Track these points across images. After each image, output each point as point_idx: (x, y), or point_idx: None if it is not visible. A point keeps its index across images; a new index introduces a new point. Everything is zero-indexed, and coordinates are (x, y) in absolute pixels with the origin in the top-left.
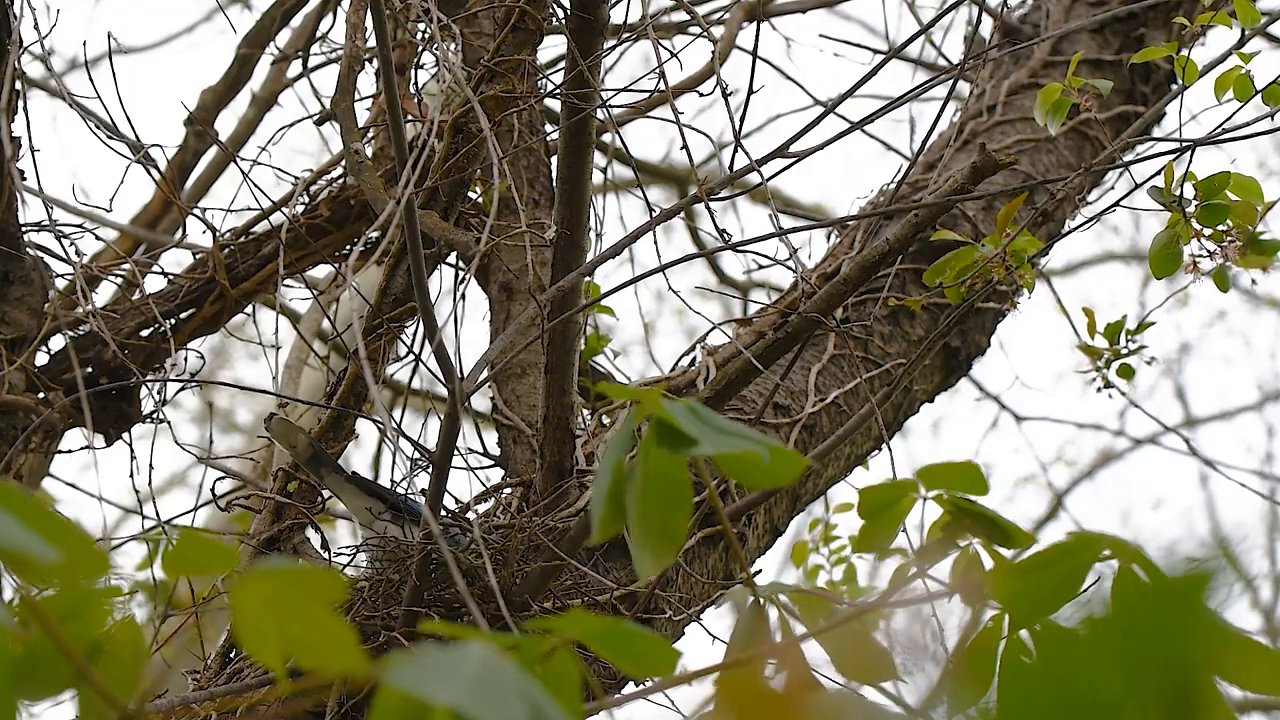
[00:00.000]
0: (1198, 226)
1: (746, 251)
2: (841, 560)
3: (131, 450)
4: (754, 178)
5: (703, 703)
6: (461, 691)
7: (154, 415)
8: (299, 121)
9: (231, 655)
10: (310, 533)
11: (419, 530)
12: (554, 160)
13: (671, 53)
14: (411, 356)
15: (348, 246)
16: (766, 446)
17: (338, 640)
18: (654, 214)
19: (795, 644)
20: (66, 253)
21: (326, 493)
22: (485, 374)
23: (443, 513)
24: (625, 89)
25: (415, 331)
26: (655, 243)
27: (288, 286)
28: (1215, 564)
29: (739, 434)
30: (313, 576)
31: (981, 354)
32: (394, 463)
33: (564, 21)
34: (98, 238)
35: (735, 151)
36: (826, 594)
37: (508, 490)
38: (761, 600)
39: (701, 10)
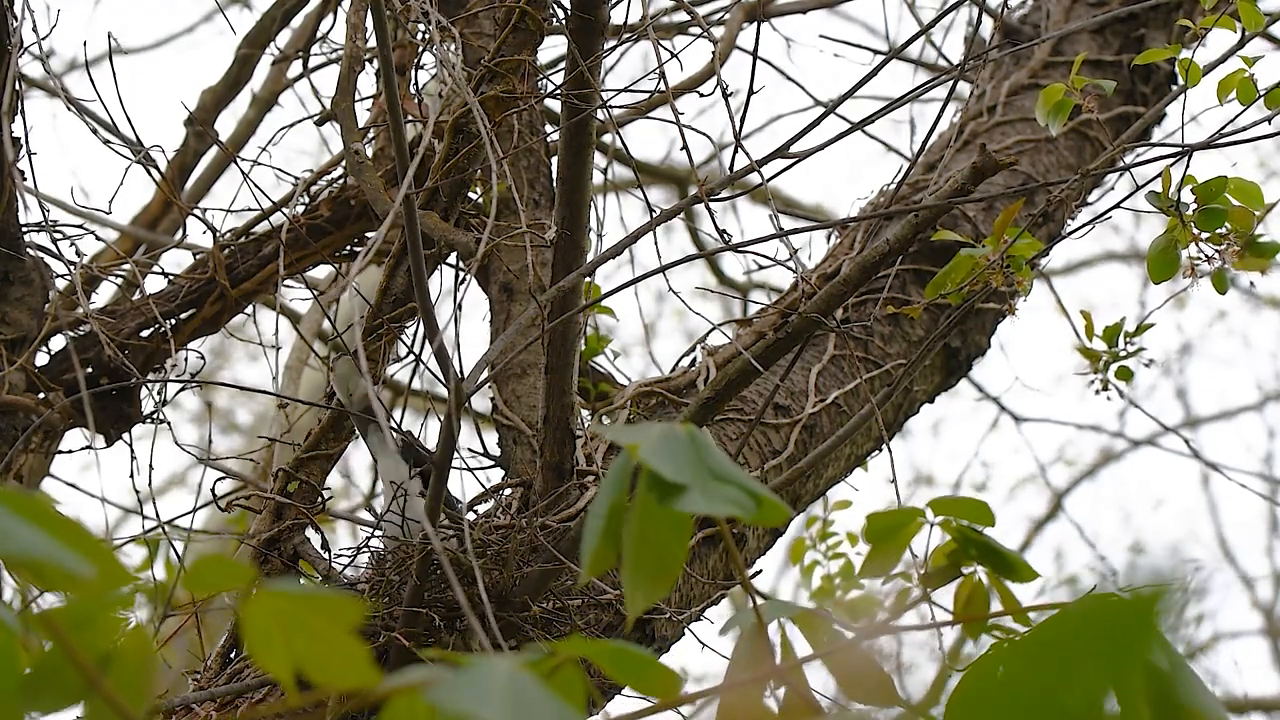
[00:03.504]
0: (1196, 231)
1: (747, 252)
2: (838, 555)
3: (131, 450)
4: (754, 178)
5: (700, 709)
6: (499, 706)
7: (154, 415)
8: (299, 122)
9: (232, 656)
10: (310, 533)
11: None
12: (554, 160)
13: (671, 53)
14: (411, 357)
15: (348, 246)
16: (754, 498)
17: (348, 654)
18: (654, 214)
19: (797, 665)
20: (65, 254)
21: (327, 493)
22: (485, 374)
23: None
24: (625, 89)
25: (415, 332)
26: (655, 243)
27: (288, 287)
28: (1168, 588)
29: (730, 478)
30: (325, 597)
31: (981, 355)
32: (409, 437)
33: (564, 22)
34: (98, 238)
35: (735, 152)
36: (830, 615)
37: (508, 491)
38: (763, 617)
39: (701, 10)
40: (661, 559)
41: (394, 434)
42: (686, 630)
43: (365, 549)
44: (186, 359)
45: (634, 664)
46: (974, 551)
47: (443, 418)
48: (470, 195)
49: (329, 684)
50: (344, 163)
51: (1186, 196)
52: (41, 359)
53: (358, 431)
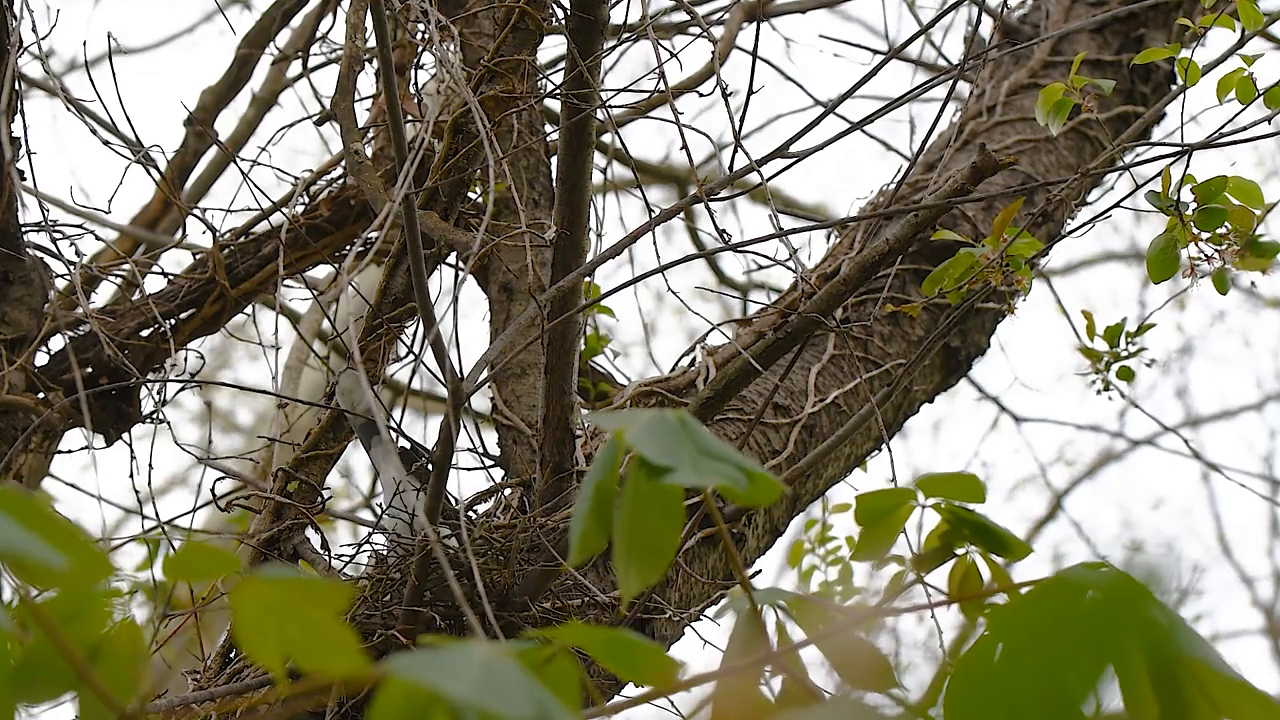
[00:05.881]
0: (1196, 230)
1: (746, 252)
2: (837, 561)
3: (131, 450)
4: (754, 178)
5: (699, 706)
6: (469, 685)
7: (154, 415)
8: (299, 122)
9: (231, 655)
10: (310, 533)
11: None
12: (554, 160)
13: (671, 53)
14: (411, 357)
15: (347, 246)
16: (745, 472)
17: (338, 643)
18: (654, 214)
19: (793, 651)
20: (65, 254)
21: (327, 493)
22: (485, 374)
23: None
24: (625, 89)
25: (415, 332)
26: (655, 243)
27: (288, 287)
28: (1158, 574)
29: (721, 457)
30: (315, 584)
31: (981, 354)
32: (416, 445)
33: (564, 21)
34: (97, 238)
35: (735, 151)
36: (825, 601)
37: (508, 490)
38: (759, 607)
39: (701, 10)
40: (654, 540)
41: (397, 444)
42: (686, 630)
43: (368, 543)
44: (186, 359)
45: (629, 652)
46: (966, 531)
47: (442, 418)
48: (470, 195)
49: (319, 672)
50: (344, 163)
51: (1186, 196)
52: (41, 359)
53: (361, 443)
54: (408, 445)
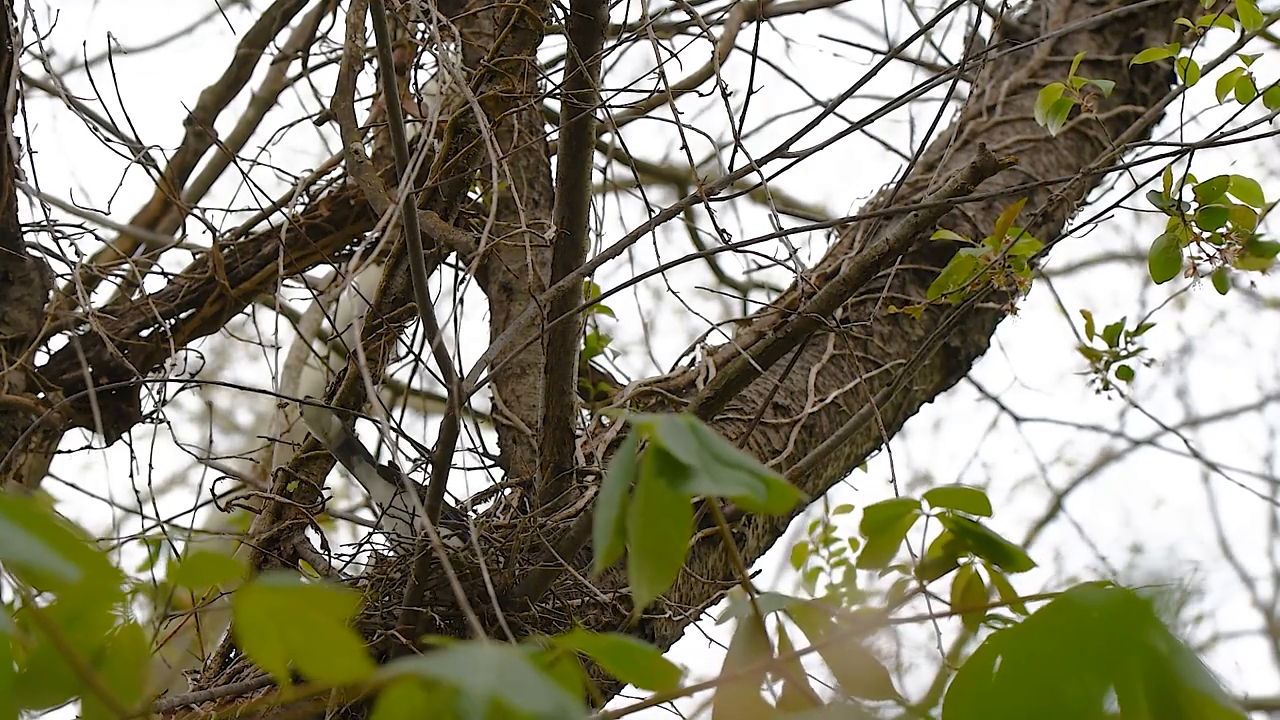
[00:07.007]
0: (1197, 230)
1: (746, 252)
2: (841, 562)
3: (131, 450)
4: (754, 178)
5: (700, 708)
6: (488, 679)
7: (154, 415)
8: (299, 121)
9: (231, 656)
10: (310, 533)
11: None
12: (554, 160)
13: (671, 53)
14: (411, 356)
15: (348, 246)
16: (763, 481)
17: (341, 647)
18: (654, 214)
19: (794, 657)
20: (65, 253)
21: (327, 493)
22: (485, 374)
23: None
24: (625, 89)
25: (415, 331)
26: (655, 243)
27: (288, 286)
28: (1165, 588)
29: (737, 464)
30: (318, 590)
31: (981, 354)
32: (393, 463)
33: (564, 21)
34: (97, 238)
35: (735, 151)
36: (827, 607)
37: (508, 490)
38: (760, 611)
39: (701, 10)
40: (665, 548)
41: (379, 465)
42: (685, 630)
43: (368, 543)
44: (186, 358)
45: (632, 657)
46: (970, 542)
47: (443, 418)
48: (470, 195)
49: (323, 677)
50: (344, 162)
51: (1187, 195)
52: (41, 359)
53: (342, 466)
54: (387, 464)
